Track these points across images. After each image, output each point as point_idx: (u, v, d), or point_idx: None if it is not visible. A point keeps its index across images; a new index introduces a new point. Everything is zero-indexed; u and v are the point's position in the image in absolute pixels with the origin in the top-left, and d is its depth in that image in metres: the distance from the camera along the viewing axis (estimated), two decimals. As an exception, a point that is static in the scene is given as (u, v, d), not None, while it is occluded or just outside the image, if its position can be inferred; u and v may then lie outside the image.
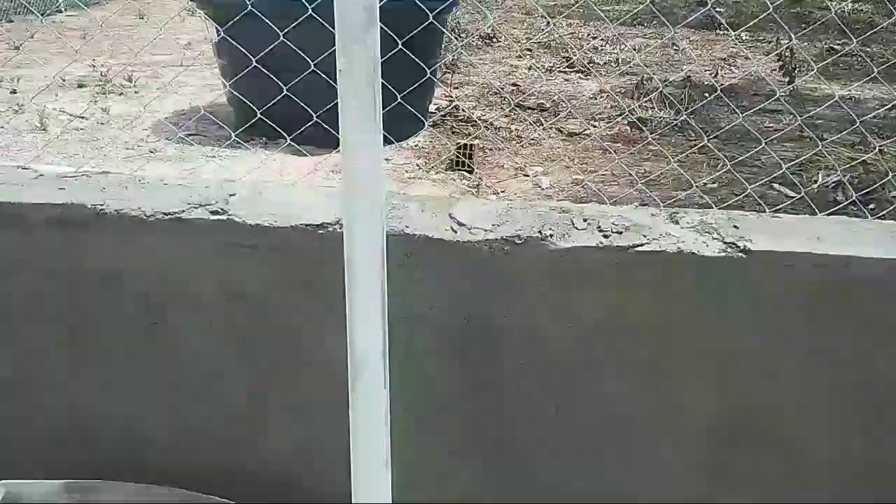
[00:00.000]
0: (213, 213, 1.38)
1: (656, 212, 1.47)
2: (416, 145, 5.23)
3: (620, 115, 5.88)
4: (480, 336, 1.42)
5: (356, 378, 1.04)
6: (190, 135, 4.98)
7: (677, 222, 1.42)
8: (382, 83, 0.95)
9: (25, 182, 1.44)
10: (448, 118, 5.81)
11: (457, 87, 6.85)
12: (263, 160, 4.40)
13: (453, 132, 5.49)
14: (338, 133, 0.95)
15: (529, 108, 6.09)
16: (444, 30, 5.25)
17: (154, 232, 1.38)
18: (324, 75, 1.90)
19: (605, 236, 1.36)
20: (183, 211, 1.38)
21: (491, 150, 5.03)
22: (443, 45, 5.78)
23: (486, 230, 1.38)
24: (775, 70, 6.92)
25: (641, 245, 1.36)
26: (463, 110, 5.95)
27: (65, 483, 1.42)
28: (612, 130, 5.64)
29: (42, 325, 1.49)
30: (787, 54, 6.32)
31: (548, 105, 6.20)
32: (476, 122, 5.66)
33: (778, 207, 3.44)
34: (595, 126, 5.70)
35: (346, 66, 0.93)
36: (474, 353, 1.44)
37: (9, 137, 4.59)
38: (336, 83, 0.93)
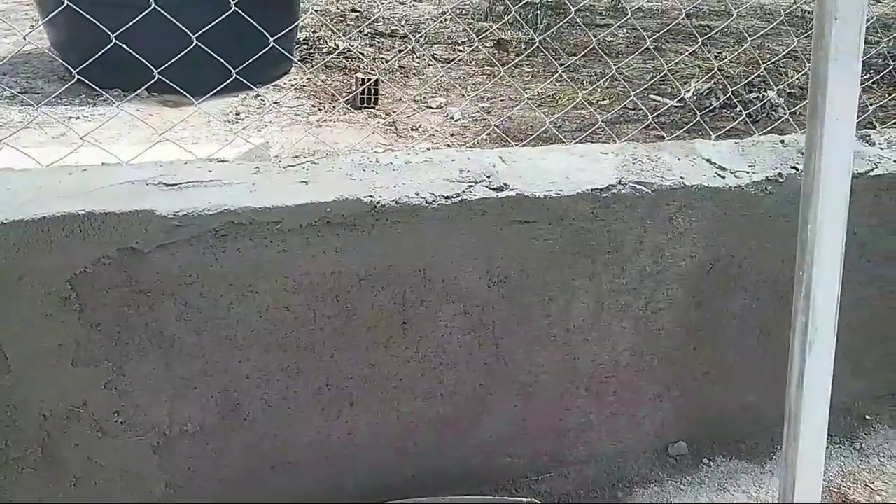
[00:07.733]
0: (495, 189, 1.17)
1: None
2: (295, 84, 4.79)
3: (481, 37, 5.90)
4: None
5: (813, 342, 1.00)
6: (20, 92, 4.05)
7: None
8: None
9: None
10: (313, 51, 5.37)
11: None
12: (148, 115, 3.74)
13: (327, 66, 5.10)
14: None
15: (388, 35, 5.84)
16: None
17: (428, 220, 1.14)
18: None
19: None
20: (463, 191, 1.16)
21: (377, 82, 4.77)
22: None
23: (747, 172, 1.36)
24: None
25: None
26: (325, 42, 5.54)
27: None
28: (479, 55, 5.65)
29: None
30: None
31: (403, 31, 5.99)
32: (345, 53, 5.31)
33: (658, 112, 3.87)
34: (461, 51, 5.66)
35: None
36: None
37: None
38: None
